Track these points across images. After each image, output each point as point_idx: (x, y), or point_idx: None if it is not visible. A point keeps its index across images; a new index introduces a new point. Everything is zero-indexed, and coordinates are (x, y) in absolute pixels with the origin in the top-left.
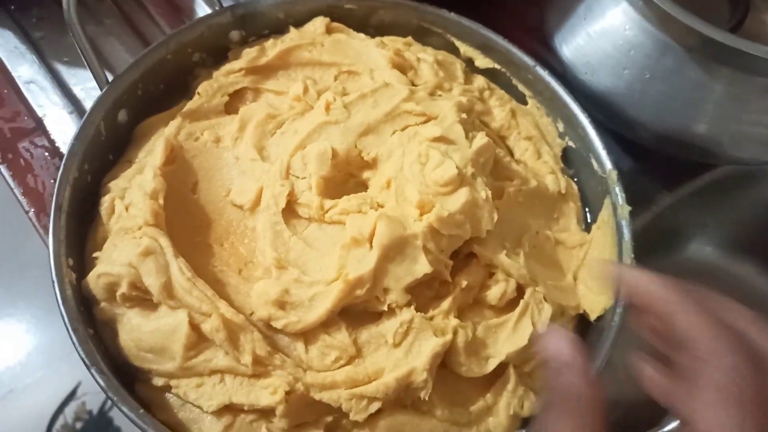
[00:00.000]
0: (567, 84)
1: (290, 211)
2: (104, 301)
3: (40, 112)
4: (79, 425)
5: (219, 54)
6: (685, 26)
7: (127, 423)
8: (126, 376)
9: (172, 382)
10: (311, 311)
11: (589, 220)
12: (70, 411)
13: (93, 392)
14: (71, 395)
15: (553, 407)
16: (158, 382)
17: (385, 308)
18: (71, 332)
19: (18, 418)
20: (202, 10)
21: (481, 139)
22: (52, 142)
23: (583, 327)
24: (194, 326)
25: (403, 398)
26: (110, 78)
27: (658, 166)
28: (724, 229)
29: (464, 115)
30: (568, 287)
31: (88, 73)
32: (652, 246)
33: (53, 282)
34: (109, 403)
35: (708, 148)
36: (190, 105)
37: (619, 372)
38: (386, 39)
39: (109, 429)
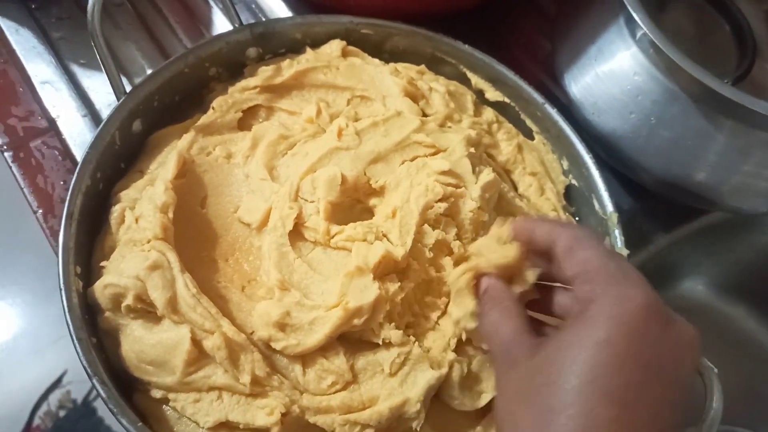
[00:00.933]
0: (573, 121)
1: (297, 233)
2: (109, 311)
3: (53, 113)
4: (62, 413)
5: (235, 69)
6: (691, 77)
7: (110, 414)
8: (125, 384)
9: (171, 396)
10: (310, 335)
11: None
12: (54, 398)
13: (78, 381)
14: (56, 383)
15: (486, 310)
16: (157, 394)
17: (380, 342)
18: (75, 341)
19: (2, 403)
20: (220, 20)
21: (487, 175)
22: (64, 143)
23: None
24: (196, 342)
25: (395, 427)
26: (127, 87)
27: (657, 206)
28: (718, 270)
29: (472, 149)
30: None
31: (103, 77)
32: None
33: (60, 290)
34: (94, 393)
35: (707, 197)
36: (204, 119)
37: None
38: (400, 66)
39: (92, 419)
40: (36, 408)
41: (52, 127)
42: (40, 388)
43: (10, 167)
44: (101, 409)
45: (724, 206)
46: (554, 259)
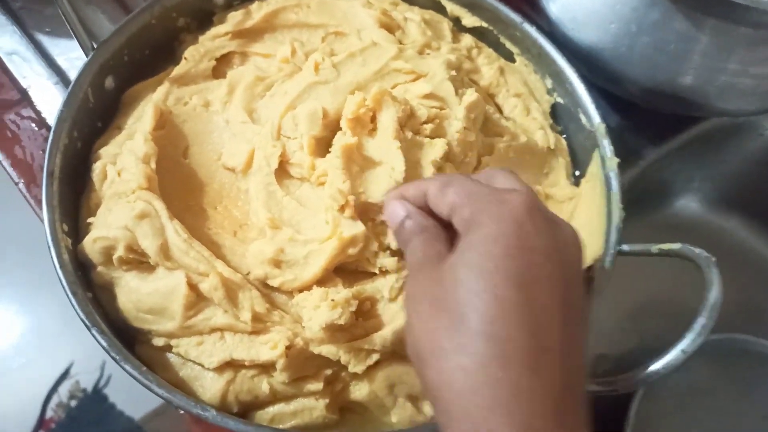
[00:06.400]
0: (554, 41)
1: (282, 171)
2: (101, 265)
3: (24, 84)
4: (74, 403)
5: (204, 18)
6: None
7: (122, 399)
8: (125, 338)
9: (173, 342)
10: (306, 268)
11: (577, 175)
12: (64, 390)
13: (86, 371)
14: (64, 374)
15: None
16: (158, 342)
17: (376, 271)
18: (70, 295)
19: (12, 399)
20: None
21: (471, 95)
22: (38, 113)
23: None
24: (192, 286)
25: (400, 350)
26: (94, 45)
27: (644, 121)
28: (710, 184)
29: (454, 72)
30: None
31: (71, 43)
32: (638, 202)
33: (49, 247)
34: (104, 380)
35: (695, 100)
36: (178, 70)
37: (606, 325)
38: None
39: (104, 405)
40: (47, 400)
41: (25, 97)
42: (49, 382)
43: None
44: (112, 395)
45: (712, 109)
46: (431, 207)
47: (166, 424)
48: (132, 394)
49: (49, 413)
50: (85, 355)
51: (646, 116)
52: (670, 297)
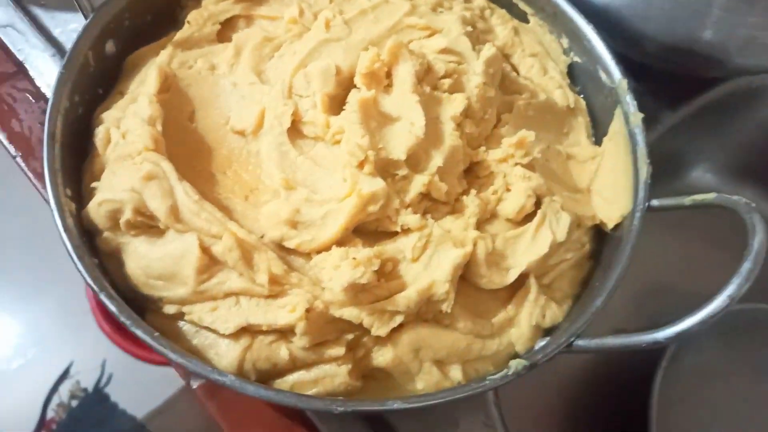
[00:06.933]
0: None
1: (295, 131)
2: (107, 231)
3: (20, 56)
4: (74, 403)
5: None
6: None
7: (124, 398)
8: (134, 307)
9: (185, 309)
10: (324, 229)
11: (596, 136)
12: (64, 390)
13: (86, 370)
14: (65, 374)
15: None
16: (170, 309)
17: (398, 229)
18: (76, 260)
19: (12, 400)
20: None
21: (489, 49)
22: (35, 85)
23: (599, 239)
24: (205, 249)
25: (424, 312)
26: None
27: (660, 84)
28: (724, 155)
29: (470, 28)
30: (582, 199)
31: (67, 15)
32: (654, 172)
33: (52, 211)
34: (104, 379)
35: (715, 56)
36: (181, 34)
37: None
38: None
39: (106, 404)
40: (48, 401)
41: (21, 70)
42: (49, 381)
43: None
44: (114, 394)
45: (732, 65)
46: None
47: (170, 422)
48: (134, 393)
49: (50, 414)
50: (85, 354)
51: (662, 80)
52: (688, 277)
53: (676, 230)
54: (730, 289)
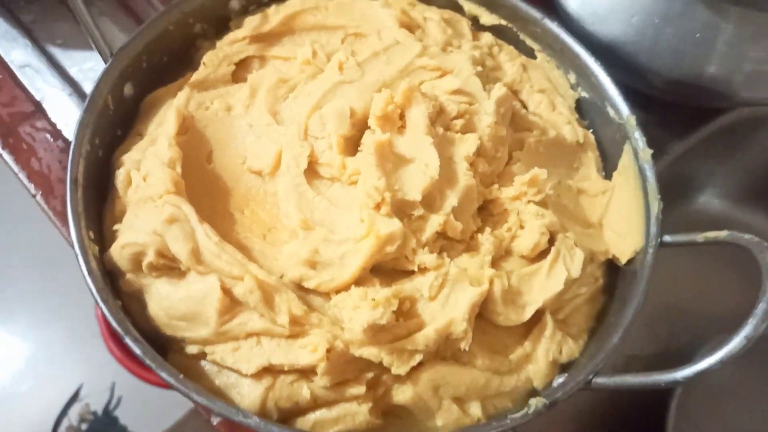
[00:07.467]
0: (574, 36)
1: (311, 171)
2: (130, 273)
3: (37, 96)
4: (84, 426)
5: (220, 24)
6: None
7: (133, 421)
8: (156, 347)
9: (207, 349)
10: (343, 269)
11: (605, 169)
12: (74, 413)
13: (96, 392)
14: (74, 397)
15: None
16: (192, 350)
17: (415, 269)
18: (101, 303)
19: (21, 424)
20: None
21: (499, 89)
22: (52, 124)
23: (612, 273)
24: (226, 290)
25: (443, 350)
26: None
27: (667, 115)
28: (732, 179)
29: (479, 68)
30: (595, 234)
31: (84, 54)
32: (663, 197)
33: (77, 255)
34: (114, 402)
35: (721, 90)
36: (197, 75)
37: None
38: None
39: (116, 427)
40: (57, 424)
41: (39, 109)
42: (58, 404)
43: (1, 155)
44: (123, 417)
45: (738, 99)
46: None
47: None
48: (143, 416)
49: None
50: (95, 377)
51: (668, 111)
52: (698, 299)
53: (688, 252)
54: (746, 330)
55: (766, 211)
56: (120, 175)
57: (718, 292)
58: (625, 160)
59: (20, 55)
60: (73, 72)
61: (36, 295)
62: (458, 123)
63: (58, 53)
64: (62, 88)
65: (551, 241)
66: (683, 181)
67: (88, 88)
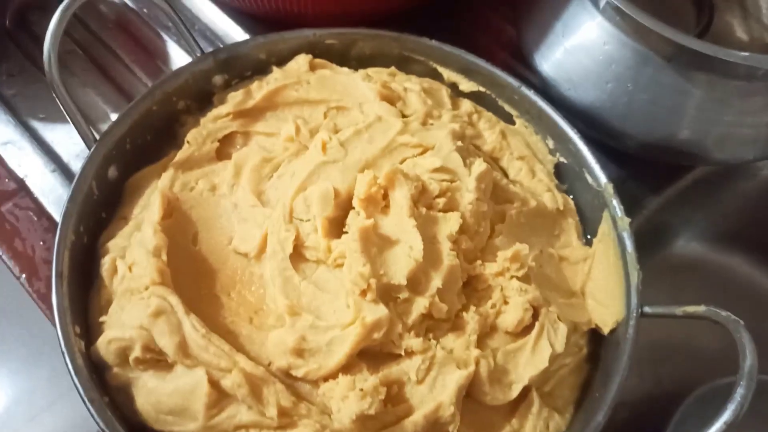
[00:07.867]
0: (550, 100)
1: (297, 255)
2: (116, 367)
3: (20, 173)
4: None
5: (204, 100)
6: (659, 36)
7: None
8: None
9: None
10: (330, 356)
11: (586, 233)
12: None
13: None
14: None
15: None
16: None
17: (402, 352)
18: (87, 403)
19: None
20: (176, 53)
21: (480, 165)
22: (36, 202)
23: (596, 340)
24: (214, 383)
25: None
26: (95, 134)
27: (643, 170)
28: (708, 224)
29: (459, 143)
30: (577, 303)
31: (67, 129)
32: (641, 245)
33: (63, 353)
34: None
35: (693, 152)
36: (181, 155)
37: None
38: (371, 71)
39: None
40: None
41: (22, 187)
42: None
43: None
44: None
45: (711, 159)
46: None
47: None
48: None
49: None
50: (79, 428)
51: (644, 166)
52: (686, 341)
53: (674, 296)
54: (726, 416)
55: (743, 253)
56: (105, 264)
57: (704, 334)
58: (605, 228)
59: (2, 132)
60: (57, 148)
61: (11, 345)
62: (440, 201)
63: (40, 128)
64: (45, 164)
65: (535, 315)
66: (661, 229)
67: (72, 163)
